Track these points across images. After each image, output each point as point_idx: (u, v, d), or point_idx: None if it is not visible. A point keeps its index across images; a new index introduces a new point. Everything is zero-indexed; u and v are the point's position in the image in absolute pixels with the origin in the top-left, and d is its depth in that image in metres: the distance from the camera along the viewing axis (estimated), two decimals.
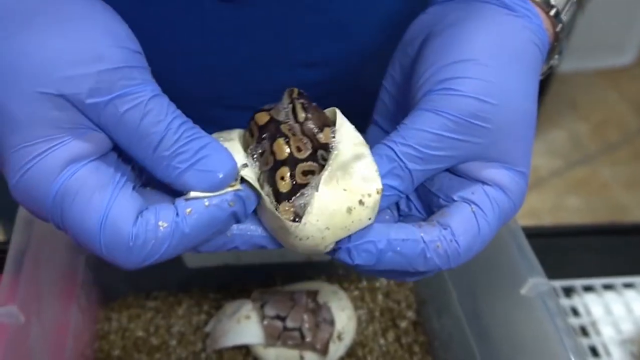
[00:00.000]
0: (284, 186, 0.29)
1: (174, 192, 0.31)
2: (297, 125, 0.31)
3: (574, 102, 2.03)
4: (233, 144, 0.31)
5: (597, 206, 1.76)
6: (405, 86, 0.36)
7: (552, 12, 0.36)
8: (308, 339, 0.50)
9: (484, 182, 0.33)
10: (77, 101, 0.27)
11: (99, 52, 0.27)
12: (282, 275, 0.58)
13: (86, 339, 0.52)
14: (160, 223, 0.28)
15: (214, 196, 0.29)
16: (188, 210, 0.29)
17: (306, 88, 0.52)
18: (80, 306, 0.51)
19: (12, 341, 0.39)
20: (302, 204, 0.29)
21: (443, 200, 0.33)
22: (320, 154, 0.30)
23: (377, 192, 0.30)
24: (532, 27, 0.34)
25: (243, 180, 0.30)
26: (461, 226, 0.32)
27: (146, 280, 0.57)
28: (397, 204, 0.35)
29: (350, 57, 0.52)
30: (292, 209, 0.29)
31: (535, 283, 0.42)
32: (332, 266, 0.58)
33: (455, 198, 0.33)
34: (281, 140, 0.30)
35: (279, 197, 0.29)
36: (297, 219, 0.29)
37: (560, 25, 0.37)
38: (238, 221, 0.31)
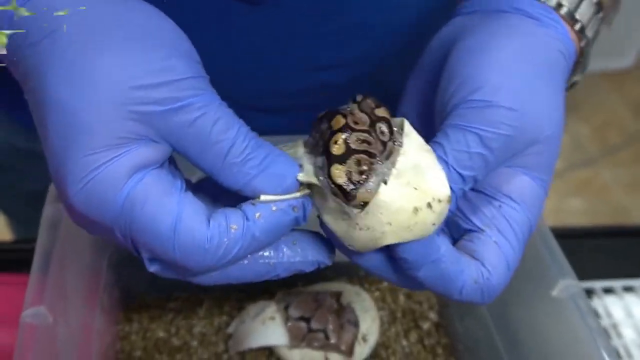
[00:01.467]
0: (337, 149, 0.29)
1: (223, 200, 0.31)
2: (354, 105, 0.31)
3: (575, 104, 2.03)
4: (295, 153, 0.32)
5: (599, 208, 1.76)
6: (430, 96, 0.36)
7: (577, 27, 0.36)
8: (333, 340, 0.49)
9: (505, 195, 0.33)
10: (146, 111, 0.27)
11: (169, 64, 0.28)
12: (302, 276, 0.57)
13: (108, 340, 0.52)
14: (231, 225, 0.29)
15: (281, 201, 0.30)
16: (257, 214, 0.29)
17: (328, 89, 0.52)
18: (103, 307, 0.50)
19: (42, 342, 0.39)
20: (368, 189, 0.28)
21: (463, 222, 0.34)
22: (379, 127, 0.30)
23: (447, 200, 0.29)
24: (559, 37, 0.35)
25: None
26: (492, 261, 0.33)
27: (167, 281, 0.57)
28: None
29: (373, 58, 0.52)
30: (344, 173, 0.28)
31: (567, 284, 0.42)
32: (353, 267, 0.58)
33: (477, 223, 0.33)
34: (339, 116, 0.30)
35: (330, 159, 0.29)
36: (356, 202, 0.28)
37: (585, 41, 0.37)
38: (298, 225, 0.31)
